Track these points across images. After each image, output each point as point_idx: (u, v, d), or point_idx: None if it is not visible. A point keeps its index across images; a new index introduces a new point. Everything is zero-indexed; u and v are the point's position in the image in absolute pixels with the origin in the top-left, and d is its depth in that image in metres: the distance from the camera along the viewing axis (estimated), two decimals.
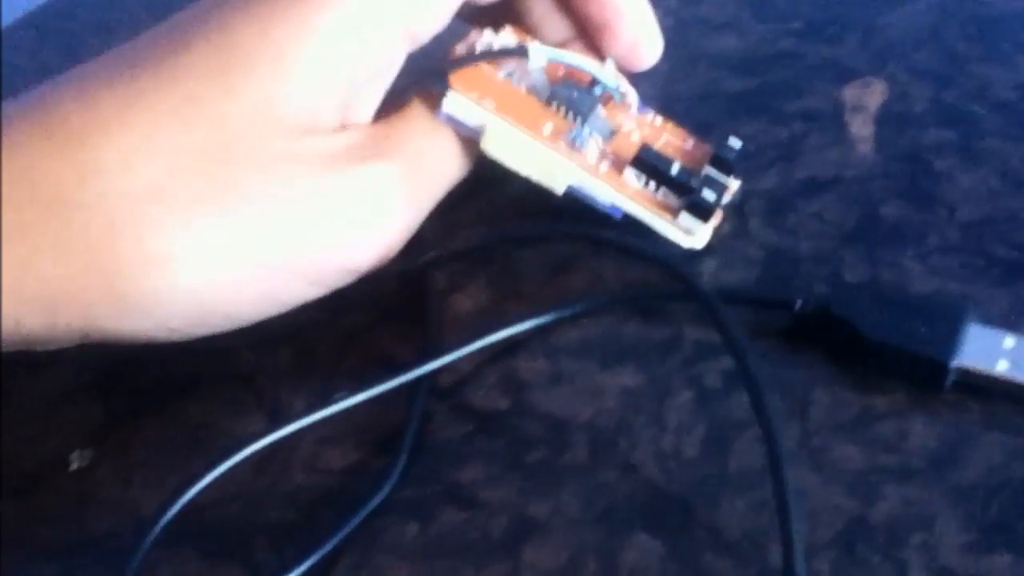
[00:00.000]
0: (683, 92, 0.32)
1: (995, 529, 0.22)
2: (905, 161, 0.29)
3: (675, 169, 0.27)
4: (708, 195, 0.27)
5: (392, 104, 0.27)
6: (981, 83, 0.31)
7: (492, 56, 0.28)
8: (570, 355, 0.26)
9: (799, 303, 0.25)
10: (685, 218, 0.27)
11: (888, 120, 0.31)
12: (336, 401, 0.24)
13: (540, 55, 0.28)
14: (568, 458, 0.24)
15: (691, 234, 0.27)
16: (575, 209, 0.27)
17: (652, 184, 0.27)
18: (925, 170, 0.29)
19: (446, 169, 0.27)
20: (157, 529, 0.22)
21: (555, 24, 0.29)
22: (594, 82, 0.28)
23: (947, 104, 0.31)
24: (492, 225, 0.29)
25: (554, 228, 0.28)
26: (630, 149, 0.28)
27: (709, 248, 0.28)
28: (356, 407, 0.25)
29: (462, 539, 0.23)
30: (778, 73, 0.33)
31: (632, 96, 0.29)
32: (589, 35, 0.29)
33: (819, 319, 0.25)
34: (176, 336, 0.24)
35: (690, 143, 0.29)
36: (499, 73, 0.28)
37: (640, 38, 0.29)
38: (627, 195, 0.27)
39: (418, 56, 0.27)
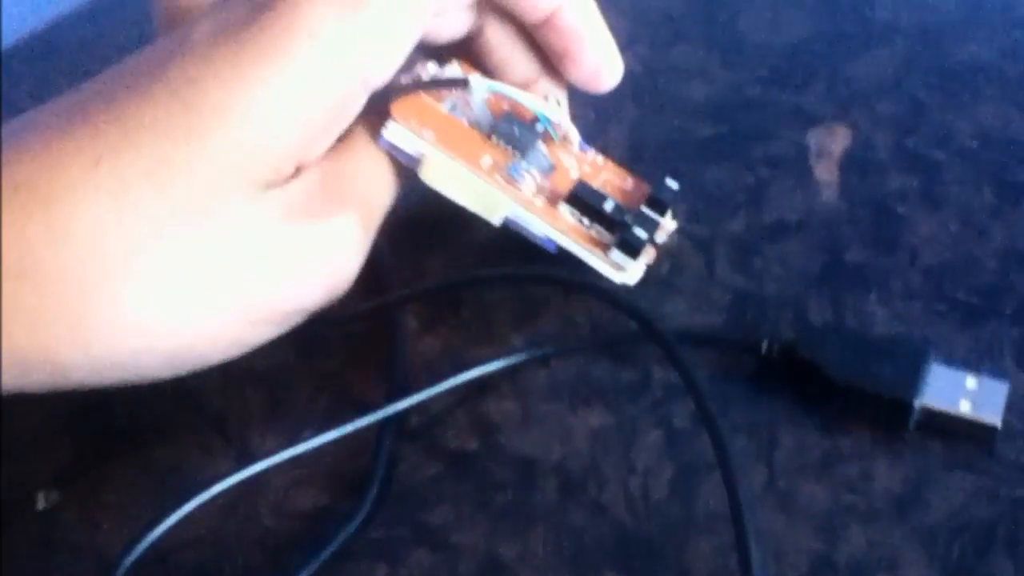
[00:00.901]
0: (652, 137, 0.33)
1: (958, 570, 0.22)
2: (869, 206, 0.30)
3: (608, 206, 0.28)
4: (639, 232, 0.27)
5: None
6: (943, 131, 0.32)
7: (434, 86, 0.28)
8: (539, 397, 0.26)
9: (765, 345, 0.26)
10: (616, 254, 0.27)
11: (852, 166, 0.31)
12: (302, 441, 0.25)
13: (481, 87, 0.28)
14: (537, 499, 0.24)
15: (622, 270, 0.27)
16: (545, 253, 0.28)
17: (586, 220, 0.28)
18: (888, 215, 0.30)
19: (389, 196, 0.27)
20: (122, 570, 0.22)
21: (519, 63, 0.30)
22: (536, 119, 0.29)
23: (910, 151, 0.31)
24: (461, 267, 0.29)
25: (522, 271, 0.28)
26: (567, 185, 0.28)
27: (677, 290, 0.28)
28: (325, 450, 0.25)
29: None
30: (745, 119, 0.33)
31: (573, 134, 0.30)
32: (551, 65, 0.30)
33: (785, 361, 0.26)
34: (147, 380, 0.24)
35: (629, 182, 0.30)
36: (442, 106, 0.28)
37: (602, 62, 0.29)
38: (560, 229, 0.27)
39: None
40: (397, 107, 0.27)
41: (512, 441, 0.26)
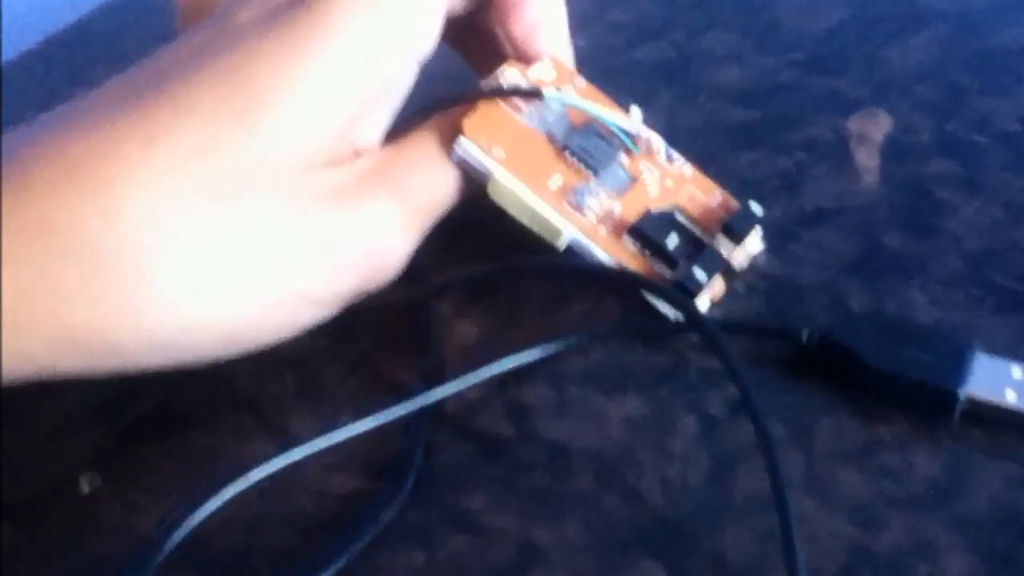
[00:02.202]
0: (686, 123, 0.33)
1: (1000, 561, 0.22)
2: (908, 192, 0.30)
3: (671, 243, 0.27)
4: (699, 275, 0.26)
5: (406, 127, 0.27)
6: (983, 115, 0.31)
7: (504, 94, 0.28)
8: (574, 383, 0.26)
9: (805, 333, 0.25)
10: (671, 294, 0.26)
11: (891, 151, 0.31)
12: (339, 427, 0.25)
13: (555, 102, 0.28)
14: (572, 485, 0.24)
15: (694, 297, 0.27)
16: None
17: (648, 252, 0.27)
18: (928, 201, 0.29)
19: (445, 198, 0.27)
20: (162, 554, 0.22)
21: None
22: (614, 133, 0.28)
23: (950, 135, 0.31)
24: (495, 256, 0.29)
25: (557, 260, 0.28)
26: (640, 207, 0.28)
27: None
28: (360, 434, 0.25)
29: (464, 564, 0.23)
30: (780, 104, 0.33)
31: (657, 143, 0.29)
32: (495, 22, 0.29)
33: (824, 349, 0.25)
34: (197, 362, 0.24)
35: (715, 198, 0.29)
36: (518, 115, 0.28)
37: (541, 22, 0.29)
38: (621, 260, 0.27)
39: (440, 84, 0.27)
40: (469, 121, 0.27)
41: (547, 426, 0.25)
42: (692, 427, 0.25)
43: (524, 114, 0.28)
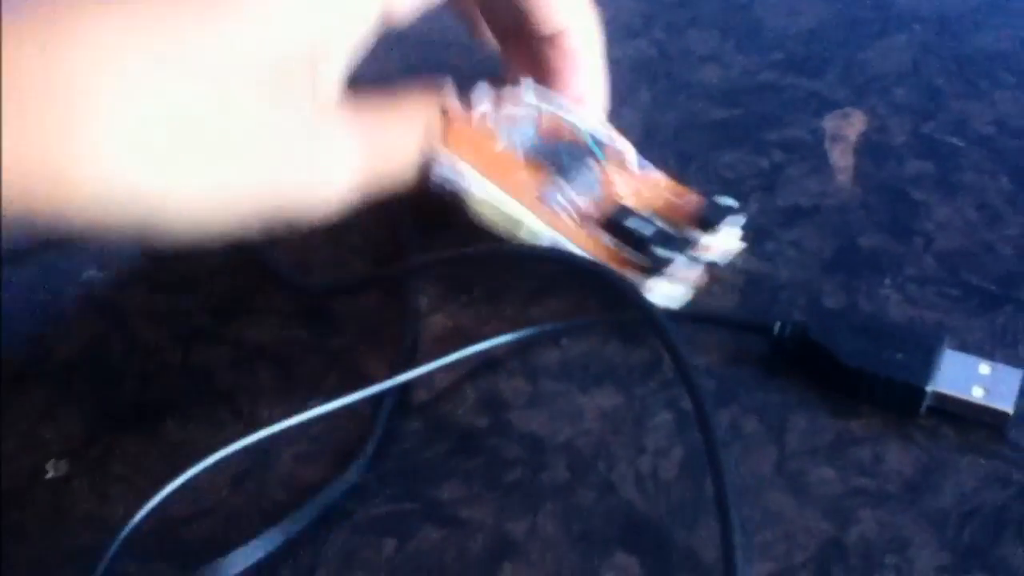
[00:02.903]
0: (666, 121, 0.33)
1: (969, 553, 0.22)
2: (884, 192, 0.30)
3: (647, 230, 0.27)
4: (661, 252, 0.27)
5: (387, 97, 0.27)
6: (959, 117, 0.32)
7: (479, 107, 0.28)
8: (550, 376, 0.26)
9: (777, 327, 0.26)
10: (642, 276, 0.27)
11: (868, 151, 0.31)
12: (303, 411, 0.25)
13: (531, 94, 0.29)
14: (547, 478, 0.24)
15: (650, 291, 0.27)
16: None
17: (628, 248, 0.27)
18: (904, 201, 0.30)
19: (402, 167, 0.27)
20: (122, 536, 0.22)
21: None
22: (586, 143, 0.29)
23: (926, 137, 0.31)
24: (473, 244, 0.29)
25: (532, 249, 0.28)
26: (613, 208, 0.28)
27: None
28: (334, 424, 0.25)
29: (439, 557, 0.23)
30: (759, 104, 0.33)
31: (629, 154, 0.29)
32: (541, 77, 0.30)
33: (797, 344, 0.25)
34: (121, 235, 0.23)
35: (690, 201, 0.29)
36: (494, 132, 0.28)
37: (587, 93, 0.30)
38: (596, 255, 0.27)
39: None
40: (447, 140, 0.27)
41: (522, 419, 0.25)
42: (667, 421, 0.25)
43: (499, 133, 0.29)
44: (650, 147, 0.31)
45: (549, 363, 0.27)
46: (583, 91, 0.30)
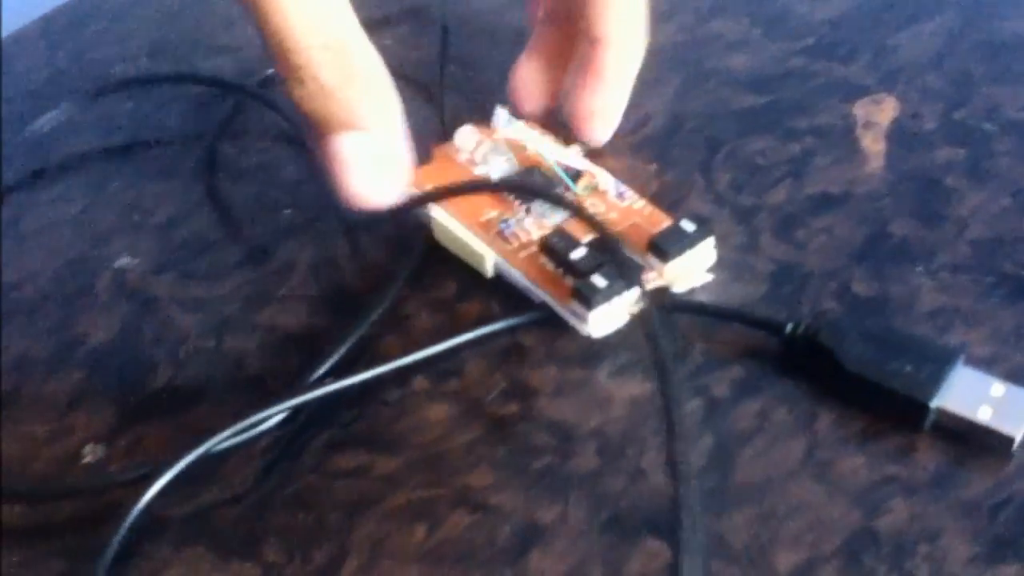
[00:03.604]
0: (694, 109, 0.33)
1: (1001, 542, 0.22)
2: (915, 179, 0.30)
3: (576, 254, 0.26)
4: (598, 281, 0.26)
5: None
6: (991, 103, 0.31)
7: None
8: (578, 363, 0.26)
9: (789, 327, 0.25)
10: (575, 305, 0.26)
11: (899, 138, 0.31)
12: (317, 387, 0.25)
13: (503, 121, 0.30)
14: (575, 465, 0.24)
15: (581, 320, 0.26)
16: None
17: (562, 270, 0.27)
18: (935, 188, 0.29)
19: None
20: (129, 520, 0.23)
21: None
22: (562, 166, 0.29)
23: (958, 123, 0.31)
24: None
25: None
26: (578, 229, 0.27)
27: (719, 261, 0.28)
28: (361, 412, 0.25)
29: (469, 543, 0.23)
30: (789, 90, 0.33)
31: (604, 182, 0.29)
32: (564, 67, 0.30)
33: (807, 346, 0.25)
34: None
35: (659, 228, 0.28)
36: (471, 166, 0.30)
37: (598, 114, 0.30)
38: (535, 280, 0.27)
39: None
40: (423, 171, 0.29)
41: (551, 407, 0.26)
42: (696, 409, 0.25)
43: (476, 167, 0.30)
44: (678, 135, 0.31)
45: (577, 351, 0.27)
46: (596, 108, 0.30)
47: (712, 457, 0.24)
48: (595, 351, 0.27)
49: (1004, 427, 0.23)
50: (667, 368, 0.23)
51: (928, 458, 0.24)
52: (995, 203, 0.29)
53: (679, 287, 0.27)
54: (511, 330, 0.27)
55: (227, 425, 0.25)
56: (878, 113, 0.32)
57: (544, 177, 0.29)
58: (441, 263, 0.29)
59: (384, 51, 0.26)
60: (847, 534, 0.22)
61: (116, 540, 0.23)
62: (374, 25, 0.26)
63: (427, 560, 0.23)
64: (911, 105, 0.32)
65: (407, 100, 0.27)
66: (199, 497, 0.25)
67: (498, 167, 0.30)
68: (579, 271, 0.26)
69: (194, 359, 0.28)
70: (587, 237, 0.27)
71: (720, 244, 0.28)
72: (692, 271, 0.27)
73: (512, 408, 0.26)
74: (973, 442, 0.23)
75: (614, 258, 0.26)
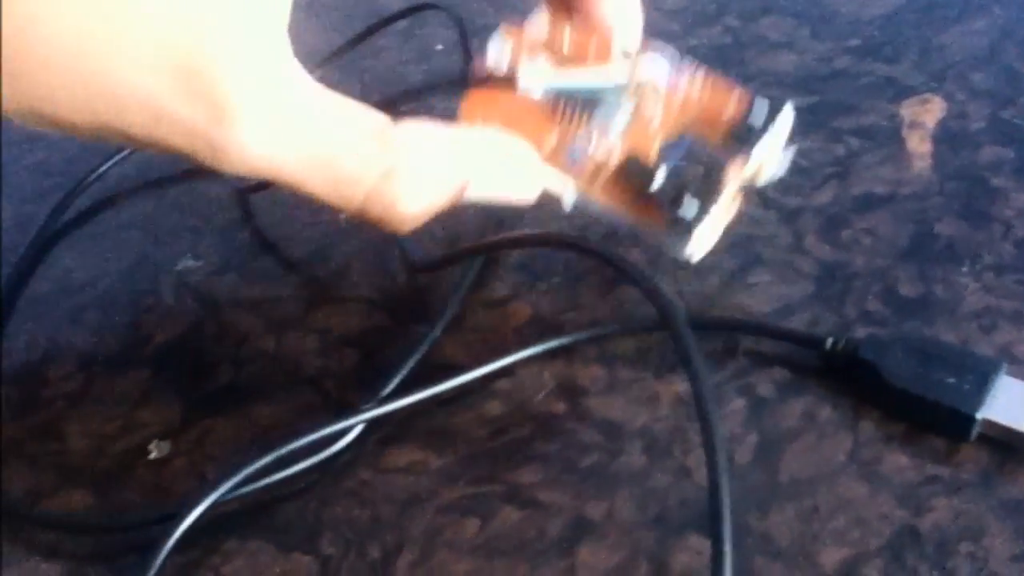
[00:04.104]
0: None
1: None
2: (961, 178, 0.30)
3: (656, 184, 0.25)
4: (688, 207, 0.25)
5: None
6: None
7: (490, 83, 0.27)
8: (626, 363, 0.27)
9: (829, 342, 0.25)
10: (670, 234, 0.26)
11: (945, 137, 0.31)
12: (392, 400, 0.26)
13: (532, 81, 0.27)
14: (623, 462, 0.25)
15: (680, 249, 0.26)
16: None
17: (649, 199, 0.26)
18: (981, 188, 0.29)
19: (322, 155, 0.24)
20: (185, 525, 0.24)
21: None
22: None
23: (1005, 122, 0.31)
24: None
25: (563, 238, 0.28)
26: (644, 141, 0.26)
27: (764, 261, 0.28)
28: (415, 410, 0.26)
29: (520, 537, 0.24)
30: (835, 91, 0.33)
31: (657, 75, 0.26)
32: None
33: (848, 361, 0.25)
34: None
35: (731, 105, 0.26)
36: (512, 72, 0.27)
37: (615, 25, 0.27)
38: (619, 210, 0.26)
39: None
40: (465, 104, 0.27)
41: (599, 405, 0.26)
42: (741, 408, 0.26)
43: (518, 77, 0.27)
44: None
45: (625, 351, 0.27)
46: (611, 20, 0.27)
47: (757, 455, 0.25)
48: (642, 350, 0.27)
49: None
50: (699, 378, 0.23)
51: (971, 458, 0.24)
52: None
53: (769, 170, 0.26)
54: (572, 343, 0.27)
55: (288, 424, 0.26)
56: (924, 113, 0.32)
57: (595, 73, 0.27)
58: (491, 262, 0.30)
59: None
60: (891, 532, 0.23)
61: (179, 532, 0.24)
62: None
63: (479, 554, 0.24)
64: (958, 105, 0.32)
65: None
66: (260, 491, 0.26)
67: (540, 76, 0.27)
68: (665, 200, 0.25)
69: (254, 359, 0.29)
70: (656, 142, 0.26)
71: (765, 245, 0.28)
72: (776, 148, 0.26)
73: (560, 407, 0.26)
74: (1019, 449, 0.24)
75: (695, 162, 0.25)
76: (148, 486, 0.27)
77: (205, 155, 0.22)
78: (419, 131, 0.24)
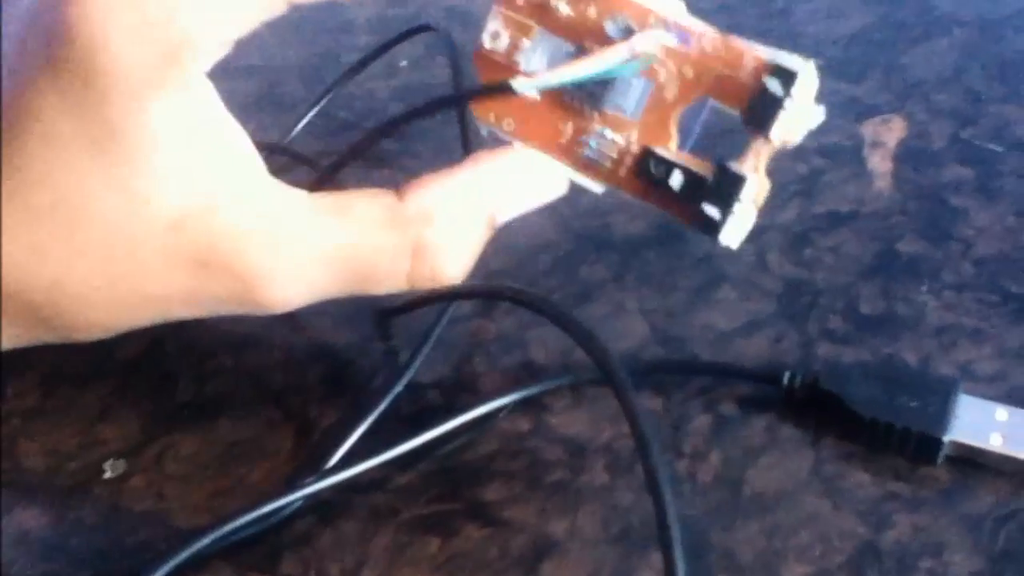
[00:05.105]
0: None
1: (1004, 558, 0.22)
2: (923, 197, 0.30)
3: (675, 180, 0.24)
4: (711, 211, 0.24)
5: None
6: (1000, 122, 0.32)
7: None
8: (589, 379, 0.27)
9: (787, 377, 0.25)
10: (698, 229, 0.24)
11: (907, 157, 0.31)
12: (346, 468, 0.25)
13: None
14: (586, 480, 0.25)
15: (713, 239, 0.24)
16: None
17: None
18: (942, 207, 0.30)
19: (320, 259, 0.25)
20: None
21: None
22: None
23: (965, 143, 0.31)
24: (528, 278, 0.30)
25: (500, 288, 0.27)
26: (660, 121, 0.25)
27: (728, 278, 0.28)
28: (383, 427, 0.26)
29: (482, 555, 0.24)
30: None
31: (662, 41, 0.25)
32: None
33: (809, 394, 0.25)
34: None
35: (747, 68, 0.24)
36: (513, 54, 0.26)
37: None
38: (646, 199, 0.25)
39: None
40: (475, 101, 0.26)
41: (562, 422, 0.26)
42: (704, 425, 0.26)
43: (519, 58, 0.26)
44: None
45: (589, 367, 0.27)
46: None
47: (720, 472, 0.25)
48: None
49: (1019, 452, 0.23)
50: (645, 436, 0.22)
51: (931, 474, 0.24)
52: (1001, 222, 0.29)
53: (798, 133, 0.24)
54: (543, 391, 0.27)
55: (251, 441, 0.25)
56: (886, 132, 0.32)
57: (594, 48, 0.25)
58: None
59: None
60: (852, 548, 0.23)
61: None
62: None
63: (441, 572, 0.24)
64: (920, 124, 0.32)
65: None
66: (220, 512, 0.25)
67: (542, 52, 0.26)
68: (687, 195, 0.24)
69: (217, 375, 0.29)
70: (674, 119, 0.25)
71: (730, 262, 0.28)
72: (803, 112, 0.24)
73: (524, 425, 0.26)
74: (985, 468, 0.24)
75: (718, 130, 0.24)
76: (105, 505, 0.26)
77: (255, 312, 0.25)
78: (428, 195, 0.25)
